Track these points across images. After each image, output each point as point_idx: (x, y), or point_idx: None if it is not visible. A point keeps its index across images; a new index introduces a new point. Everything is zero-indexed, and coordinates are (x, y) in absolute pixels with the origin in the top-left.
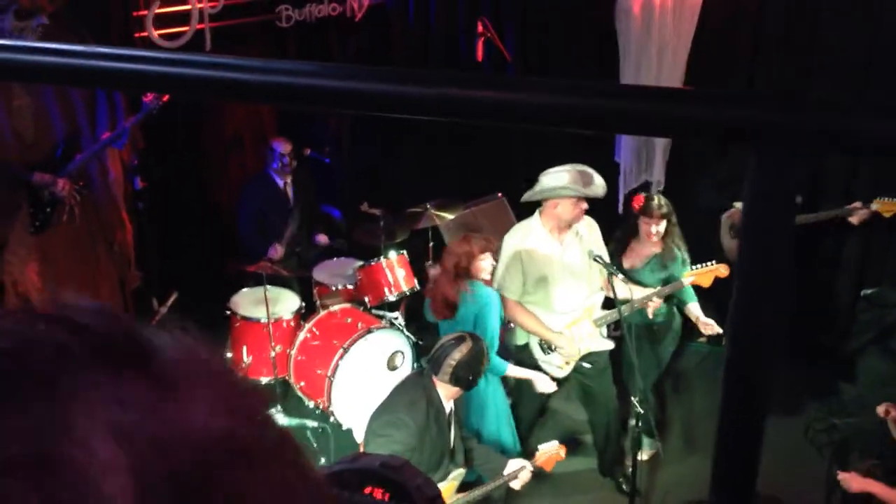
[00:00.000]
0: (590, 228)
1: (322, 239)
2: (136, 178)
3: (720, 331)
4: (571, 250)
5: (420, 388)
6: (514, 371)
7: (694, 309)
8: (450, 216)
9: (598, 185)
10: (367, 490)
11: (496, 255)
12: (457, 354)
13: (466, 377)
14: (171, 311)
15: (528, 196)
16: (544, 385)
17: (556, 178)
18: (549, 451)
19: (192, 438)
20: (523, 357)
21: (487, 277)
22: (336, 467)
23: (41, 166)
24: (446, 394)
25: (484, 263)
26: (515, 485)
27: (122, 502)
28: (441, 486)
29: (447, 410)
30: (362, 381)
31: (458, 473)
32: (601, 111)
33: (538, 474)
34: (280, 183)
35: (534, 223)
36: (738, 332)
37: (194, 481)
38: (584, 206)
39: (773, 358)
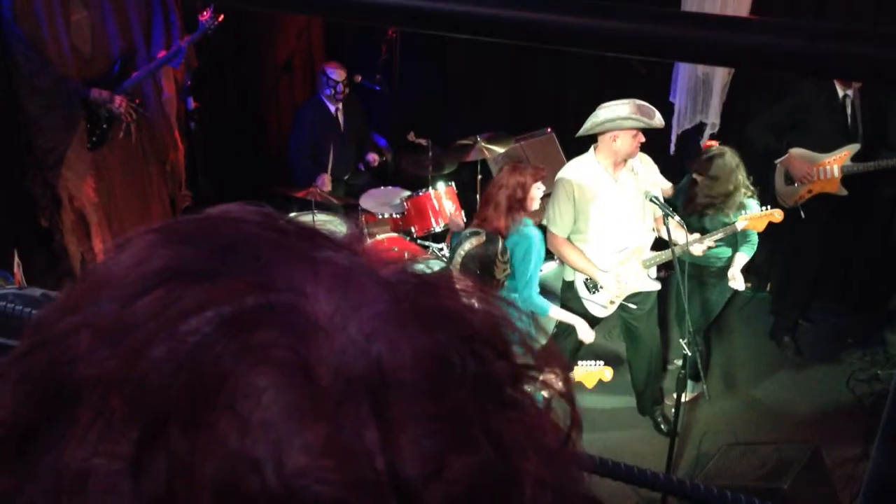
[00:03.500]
0: (646, 165)
1: (372, 157)
2: (189, 98)
3: (743, 288)
4: (626, 188)
5: None
6: (557, 313)
7: (738, 258)
8: (499, 149)
9: (658, 117)
10: None
11: (546, 184)
12: (467, 245)
13: (474, 270)
14: None
15: (586, 129)
16: (585, 334)
17: (616, 109)
18: (592, 368)
19: (407, 287)
20: (568, 295)
21: (537, 207)
22: None
23: (98, 82)
24: None
25: (537, 192)
26: None
27: (372, 345)
28: None
29: None
30: None
31: None
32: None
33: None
34: (332, 109)
35: (588, 159)
36: None
37: (432, 326)
38: (642, 139)
39: None
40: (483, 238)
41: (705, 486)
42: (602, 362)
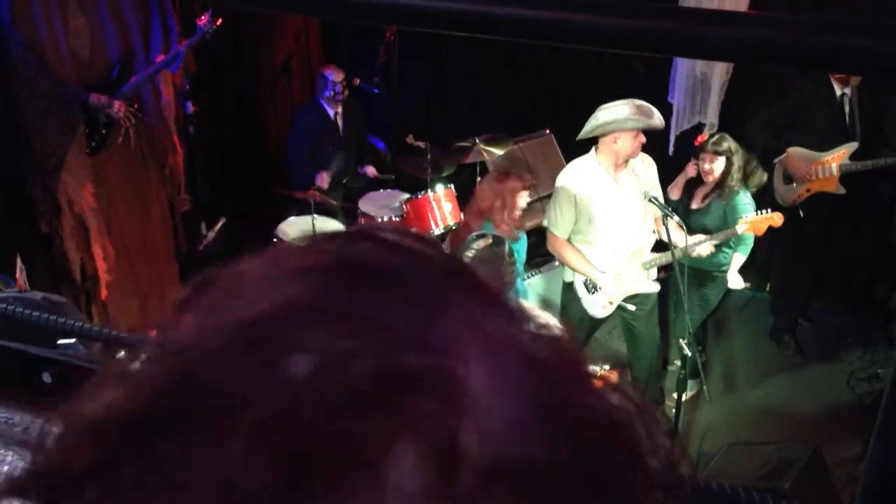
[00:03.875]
0: (647, 166)
1: (370, 171)
2: (188, 103)
3: (741, 287)
4: (627, 189)
5: None
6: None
7: (735, 259)
8: (498, 151)
9: (658, 117)
10: None
11: (545, 186)
12: (472, 246)
13: None
14: (218, 236)
15: (586, 132)
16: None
17: (616, 111)
18: (595, 371)
19: (546, 359)
20: (568, 296)
21: (518, 215)
22: None
23: (97, 87)
24: None
25: (522, 201)
26: None
27: (495, 420)
28: None
29: None
30: None
31: None
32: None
33: None
34: (331, 112)
35: (589, 160)
36: None
37: (551, 398)
38: (643, 139)
39: None
40: (490, 240)
41: (717, 484)
42: (608, 366)
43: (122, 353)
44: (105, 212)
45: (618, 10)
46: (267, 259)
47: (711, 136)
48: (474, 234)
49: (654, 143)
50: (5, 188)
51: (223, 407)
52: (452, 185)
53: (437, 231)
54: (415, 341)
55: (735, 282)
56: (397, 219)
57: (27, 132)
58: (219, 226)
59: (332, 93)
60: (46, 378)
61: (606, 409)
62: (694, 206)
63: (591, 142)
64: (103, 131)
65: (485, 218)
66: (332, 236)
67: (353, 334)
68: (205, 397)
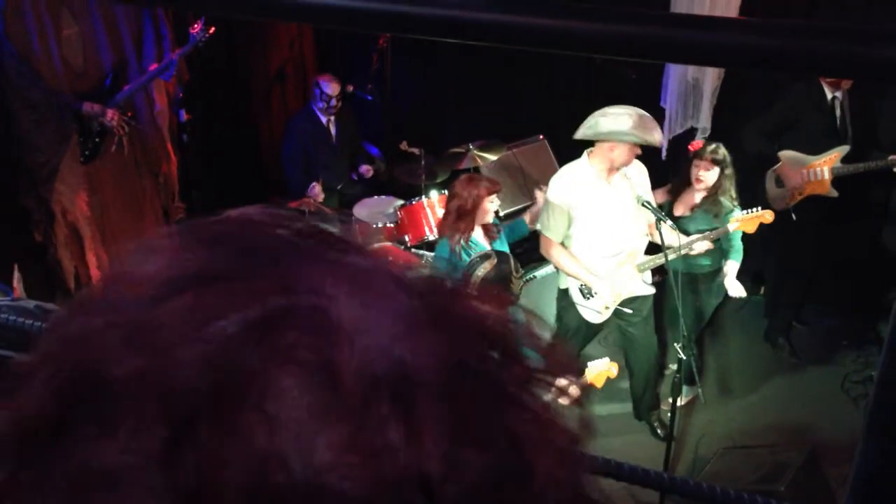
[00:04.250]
0: (639, 172)
1: (365, 170)
2: (182, 111)
3: (744, 295)
4: (619, 193)
5: None
6: None
7: (730, 267)
8: (491, 157)
9: (658, 133)
10: None
11: (504, 197)
12: (481, 271)
13: None
14: None
15: (584, 135)
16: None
17: (618, 121)
18: (600, 366)
19: (428, 289)
20: (563, 303)
21: (489, 221)
22: None
23: (90, 96)
24: None
25: (490, 206)
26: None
27: (395, 346)
28: None
29: None
30: None
31: None
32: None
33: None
34: (323, 120)
35: (582, 164)
36: None
37: (436, 314)
38: (639, 151)
39: None
40: (495, 260)
41: (708, 486)
42: (607, 359)
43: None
44: (99, 220)
45: (604, 16)
46: (149, 247)
47: (707, 143)
48: (478, 255)
49: (646, 147)
50: (1, 199)
51: (112, 395)
52: (446, 192)
53: (432, 237)
54: (280, 289)
55: (735, 290)
56: (392, 225)
57: (20, 143)
58: None
59: (326, 104)
60: None
61: (481, 316)
62: (678, 213)
63: (584, 145)
64: (97, 140)
65: (455, 222)
66: (207, 222)
67: (222, 295)
68: (93, 389)
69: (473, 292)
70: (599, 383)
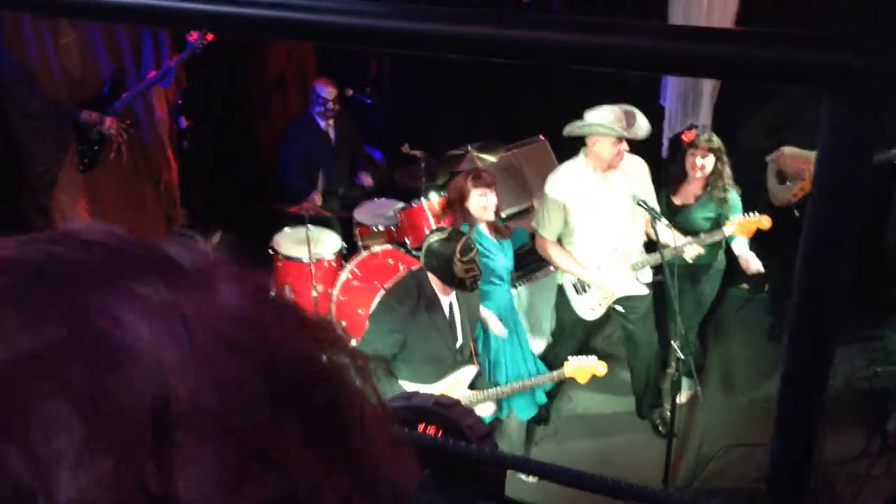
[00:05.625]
0: (637, 169)
1: (366, 179)
2: (181, 118)
3: (761, 269)
4: (615, 191)
5: (413, 279)
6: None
7: (739, 245)
8: (491, 158)
9: (641, 126)
10: (422, 427)
11: (500, 192)
12: (430, 238)
13: (432, 264)
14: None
15: (568, 130)
16: (496, 328)
17: (599, 114)
18: (584, 362)
19: (221, 316)
20: (560, 299)
21: (488, 217)
22: (391, 404)
23: (88, 104)
24: (438, 286)
25: (479, 199)
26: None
27: (170, 375)
28: (448, 379)
29: (444, 302)
30: None
31: (468, 370)
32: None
33: (579, 416)
34: (322, 125)
35: (578, 162)
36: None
37: (232, 352)
38: (625, 146)
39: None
40: (445, 234)
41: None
42: (595, 357)
43: None
44: None
45: (606, 28)
46: None
47: (698, 133)
48: (434, 228)
49: (646, 145)
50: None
51: None
52: (446, 193)
53: None
54: (64, 315)
55: (754, 262)
56: (392, 228)
57: (19, 152)
58: (215, 239)
59: (323, 108)
60: None
61: (307, 356)
62: (678, 202)
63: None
64: (96, 148)
65: (454, 215)
66: (19, 240)
67: (7, 318)
68: None
69: (292, 321)
70: (582, 379)
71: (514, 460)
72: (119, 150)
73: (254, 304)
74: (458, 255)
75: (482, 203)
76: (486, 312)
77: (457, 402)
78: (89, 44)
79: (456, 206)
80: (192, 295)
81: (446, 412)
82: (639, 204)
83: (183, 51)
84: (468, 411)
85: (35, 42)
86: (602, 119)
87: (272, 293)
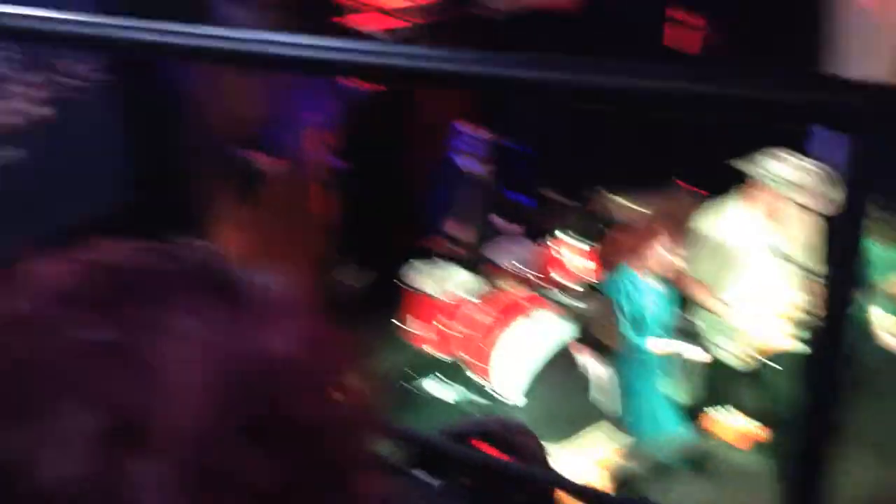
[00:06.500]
0: (797, 220)
1: (500, 223)
2: (335, 159)
3: None
4: (770, 239)
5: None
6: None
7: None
8: (627, 203)
9: (827, 190)
10: (471, 440)
11: (671, 245)
12: (584, 306)
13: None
14: (361, 286)
15: (746, 172)
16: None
17: (785, 169)
18: (739, 423)
19: (261, 358)
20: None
21: (657, 266)
22: (461, 423)
23: (247, 142)
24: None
25: (659, 250)
26: None
27: (187, 397)
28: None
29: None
30: (525, 358)
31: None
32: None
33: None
34: (468, 167)
35: (733, 206)
36: None
37: (257, 396)
38: (792, 203)
39: None
40: (602, 303)
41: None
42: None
43: None
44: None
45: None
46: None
47: None
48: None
49: None
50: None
51: None
52: (581, 236)
53: (563, 281)
54: (119, 324)
55: None
56: (524, 268)
57: (182, 187)
58: (362, 277)
59: (471, 151)
60: None
61: (314, 415)
62: None
63: (722, 189)
64: (253, 184)
65: (619, 261)
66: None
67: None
68: None
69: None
70: (741, 442)
71: (570, 484)
72: (274, 188)
73: (284, 352)
74: (606, 322)
75: (660, 256)
76: None
77: (520, 424)
78: (249, 84)
79: (636, 245)
80: (235, 328)
81: (504, 431)
82: (790, 260)
83: (340, 94)
84: (528, 433)
85: (201, 78)
86: (789, 176)
87: (314, 342)
